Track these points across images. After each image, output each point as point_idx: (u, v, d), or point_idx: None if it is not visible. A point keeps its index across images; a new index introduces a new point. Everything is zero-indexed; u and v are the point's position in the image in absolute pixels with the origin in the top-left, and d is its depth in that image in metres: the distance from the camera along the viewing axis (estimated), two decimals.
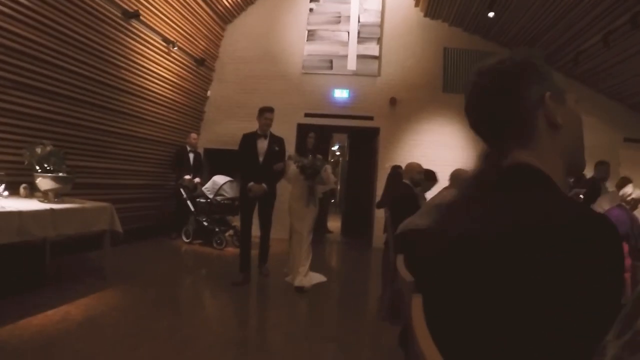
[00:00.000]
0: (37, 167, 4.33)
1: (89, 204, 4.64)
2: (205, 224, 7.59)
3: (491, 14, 7.72)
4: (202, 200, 7.61)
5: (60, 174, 4.42)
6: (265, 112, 5.38)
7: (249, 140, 5.47)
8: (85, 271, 5.10)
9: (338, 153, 17.97)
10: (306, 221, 5.37)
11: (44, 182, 4.30)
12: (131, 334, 3.38)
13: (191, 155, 8.25)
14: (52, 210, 3.98)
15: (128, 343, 3.20)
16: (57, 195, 4.41)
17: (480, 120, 0.96)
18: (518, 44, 8.66)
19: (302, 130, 9.27)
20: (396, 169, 6.95)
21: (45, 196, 4.36)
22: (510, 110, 0.89)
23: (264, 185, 5.29)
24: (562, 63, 8.29)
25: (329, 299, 5.22)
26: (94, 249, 5.42)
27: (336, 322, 4.37)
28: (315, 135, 6.44)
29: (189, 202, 7.70)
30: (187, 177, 7.91)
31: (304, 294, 5.03)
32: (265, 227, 5.57)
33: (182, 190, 7.82)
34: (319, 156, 5.55)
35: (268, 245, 5.74)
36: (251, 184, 5.27)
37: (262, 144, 5.42)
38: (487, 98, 0.92)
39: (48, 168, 4.37)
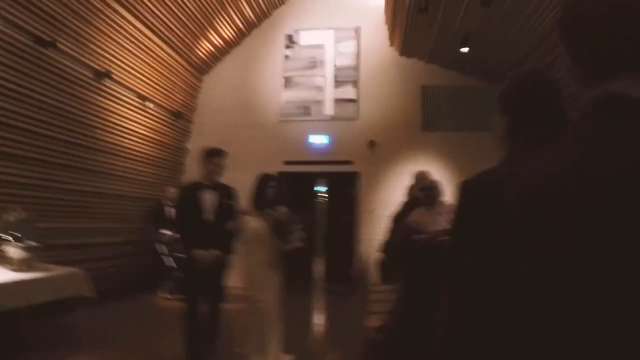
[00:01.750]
0: (7, 237, 4.37)
1: (59, 271, 4.69)
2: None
3: (465, 49, 7.71)
4: (182, 255, 7.43)
5: (31, 243, 4.46)
6: (214, 156, 4.31)
7: (189, 193, 4.34)
8: (60, 337, 5.04)
9: (326, 196, 17.61)
10: (273, 291, 4.39)
11: (13, 252, 4.35)
12: None
13: (170, 210, 8.15)
14: (22, 281, 4.05)
15: None
16: (28, 264, 4.43)
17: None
18: (496, 75, 8.65)
19: (284, 177, 9.22)
20: None
21: (15, 265, 4.37)
22: None
23: (214, 251, 4.16)
24: None
25: None
26: (70, 311, 5.23)
27: None
28: (277, 183, 5.03)
29: (170, 258, 7.61)
30: (166, 232, 7.77)
31: None
32: (216, 304, 4.44)
33: (161, 245, 7.74)
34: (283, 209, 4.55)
35: (219, 322, 4.52)
36: (197, 251, 4.10)
37: (210, 197, 4.28)
38: None
39: (18, 236, 4.40)
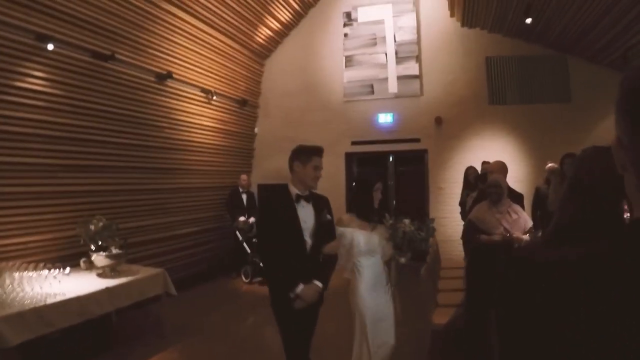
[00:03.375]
0: (92, 246, 4.81)
1: (142, 273, 5.08)
2: (262, 264, 7.82)
3: (528, 20, 7.52)
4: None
5: (114, 250, 4.87)
6: (315, 155, 3.17)
7: (283, 204, 3.15)
8: (148, 327, 5.44)
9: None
10: (390, 321, 3.55)
11: (99, 260, 4.77)
12: None
13: (244, 196, 8.59)
14: (107, 289, 4.42)
15: None
16: (112, 269, 4.86)
17: None
18: (563, 45, 8.42)
19: (350, 159, 9.39)
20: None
21: (102, 272, 4.82)
22: None
23: (317, 283, 3.11)
24: (611, 59, 8.05)
25: None
26: (155, 301, 5.45)
27: None
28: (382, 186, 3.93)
29: (244, 244, 8.02)
30: (242, 218, 8.22)
31: None
32: (310, 341, 3.28)
33: (237, 232, 8.15)
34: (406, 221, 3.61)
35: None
36: (300, 287, 3.01)
37: (306, 212, 3.19)
38: None
39: (102, 244, 4.83)
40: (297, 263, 3.07)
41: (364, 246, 3.47)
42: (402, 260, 3.61)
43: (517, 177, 8.11)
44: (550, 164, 5.18)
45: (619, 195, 1.18)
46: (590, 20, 7.23)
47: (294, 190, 3.15)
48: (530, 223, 4.32)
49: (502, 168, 4.96)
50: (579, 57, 8.56)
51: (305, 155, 3.15)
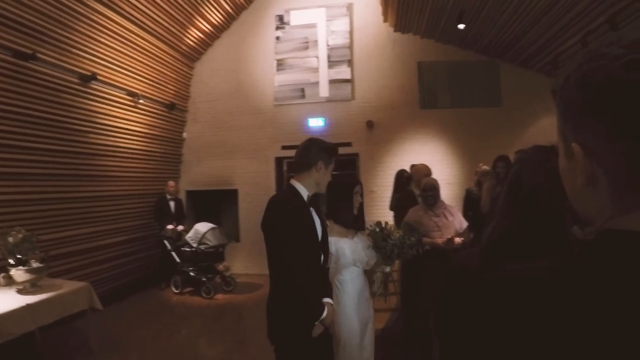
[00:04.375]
0: (10, 260, 4.48)
1: (66, 287, 4.76)
2: (192, 274, 7.54)
3: (461, 26, 7.60)
4: (186, 249, 7.60)
5: (35, 264, 4.58)
6: (335, 157, 2.78)
7: (303, 212, 2.67)
8: (75, 345, 5.13)
9: None
10: (372, 339, 3.24)
11: (18, 275, 4.45)
12: None
13: (172, 203, 8.35)
14: (28, 306, 4.11)
15: None
16: (33, 284, 4.54)
17: None
18: (495, 50, 8.55)
19: (280, 163, 9.20)
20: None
21: (21, 287, 4.49)
22: None
23: (329, 301, 2.75)
24: (541, 65, 8.34)
25: None
26: (81, 316, 5.20)
27: None
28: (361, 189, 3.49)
29: (173, 253, 7.75)
30: (170, 226, 7.98)
31: None
32: None
33: (165, 241, 7.87)
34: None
35: None
36: (325, 312, 2.61)
37: (315, 217, 2.75)
38: None
39: (21, 258, 4.51)
40: (319, 281, 2.67)
41: (350, 256, 3.09)
42: (388, 269, 3.38)
43: (448, 180, 8.13)
44: (482, 167, 5.24)
45: (565, 203, 1.13)
46: (521, 27, 7.49)
47: (305, 193, 2.68)
48: (465, 224, 4.43)
49: (428, 170, 5.19)
50: (509, 62, 8.79)
51: (330, 155, 2.71)
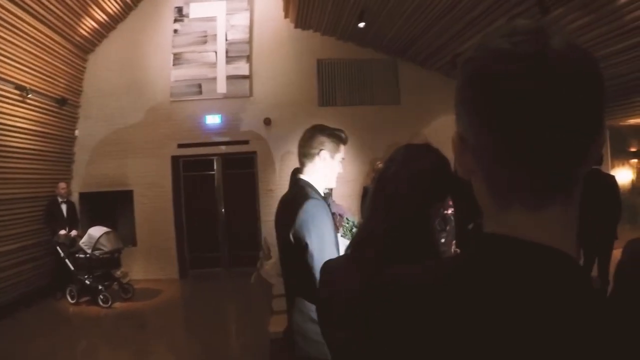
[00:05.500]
0: None
1: None
2: (87, 282, 7.12)
3: (361, 25, 7.65)
4: (81, 255, 7.17)
5: None
6: (342, 144, 2.36)
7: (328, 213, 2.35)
8: None
9: None
10: None
11: None
12: None
13: (64, 207, 7.91)
14: None
15: None
16: None
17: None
18: (394, 49, 8.64)
19: (176, 162, 8.94)
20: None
21: None
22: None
23: None
24: (440, 64, 8.49)
25: None
26: None
27: None
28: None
29: (67, 260, 7.25)
30: (63, 232, 7.50)
31: None
32: None
33: (58, 248, 7.36)
34: None
35: None
36: None
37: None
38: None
39: None
40: None
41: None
42: None
43: (346, 177, 8.12)
44: (379, 164, 5.28)
45: (429, 205, 1.17)
46: (421, 27, 7.59)
47: (320, 188, 2.30)
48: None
49: None
50: (409, 61, 8.87)
51: (335, 142, 2.28)
